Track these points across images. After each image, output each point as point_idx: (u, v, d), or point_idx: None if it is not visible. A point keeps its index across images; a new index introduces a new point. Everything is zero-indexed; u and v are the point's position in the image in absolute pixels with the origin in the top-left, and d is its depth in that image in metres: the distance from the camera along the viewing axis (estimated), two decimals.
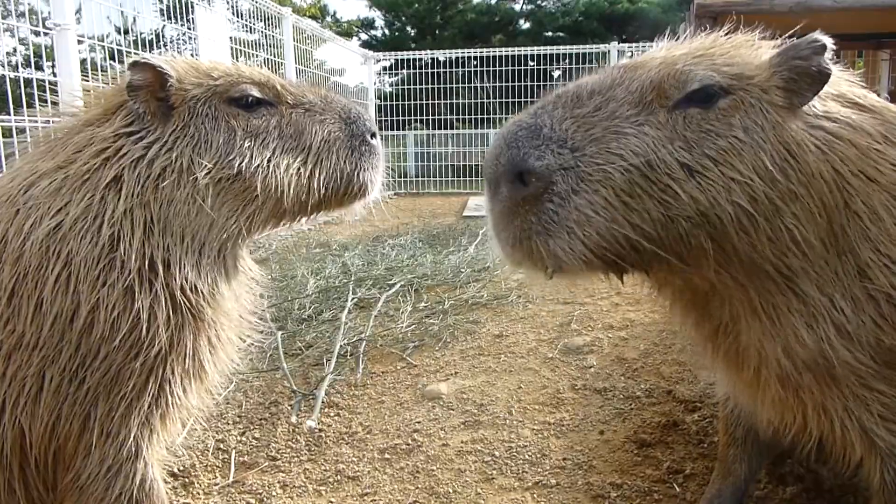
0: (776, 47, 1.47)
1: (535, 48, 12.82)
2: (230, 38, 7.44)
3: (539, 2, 25.38)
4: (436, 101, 13.11)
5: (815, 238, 1.37)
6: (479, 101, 13.00)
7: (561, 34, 23.86)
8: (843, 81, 1.54)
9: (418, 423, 2.80)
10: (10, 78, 4.42)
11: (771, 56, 1.43)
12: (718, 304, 1.52)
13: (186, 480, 2.41)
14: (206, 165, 1.65)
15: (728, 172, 1.32)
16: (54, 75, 4.60)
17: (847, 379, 1.44)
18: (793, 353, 1.43)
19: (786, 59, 1.40)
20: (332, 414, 2.91)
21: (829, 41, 1.38)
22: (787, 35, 1.53)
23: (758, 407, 1.67)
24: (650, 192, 1.30)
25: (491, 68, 12.61)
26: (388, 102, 13.38)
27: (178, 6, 6.31)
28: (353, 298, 4.50)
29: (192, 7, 6.48)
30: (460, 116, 13.93)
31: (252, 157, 1.69)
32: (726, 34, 1.53)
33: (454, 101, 13.28)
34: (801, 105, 1.40)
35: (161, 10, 7.09)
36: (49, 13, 4.41)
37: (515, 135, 1.33)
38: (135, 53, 4.93)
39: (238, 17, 8.00)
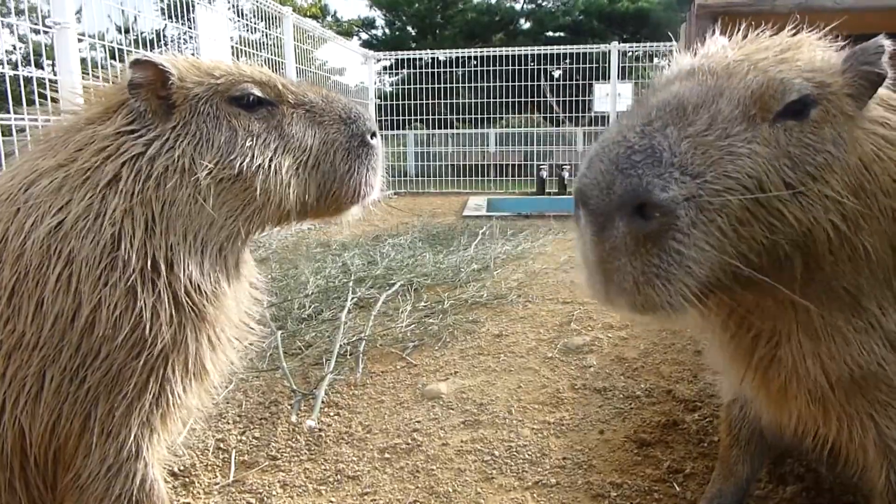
0: (839, 50, 1.41)
1: (535, 48, 12.79)
2: (231, 37, 7.44)
3: (539, 1, 25.39)
4: (436, 101, 13.10)
5: (882, 252, 1.33)
6: (479, 101, 12.99)
7: (561, 33, 23.89)
8: None
9: (418, 422, 2.80)
10: (9, 76, 4.41)
11: (839, 61, 1.36)
12: (766, 320, 1.45)
13: (187, 480, 2.41)
14: (207, 165, 1.64)
15: (823, 189, 1.25)
16: (54, 73, 4.59)
17: (877, 388, 1.43)
18: (832, 369, 1.40)
19: (855, 64, 1.34)
20: (331, 413, 2.91)
21: (888, 43, 1.33)
22: (793, 33, 1.50)
23: (776, 414, 1.65)
24: (759, 216, 1.20)
25: (491, 68, 12.61)
26: (389, 102, 13.37)
27: (178, 5, 6.30)
28: (352, 298, 4.50)
29: (193, 6, 6.47)
30: (460, 116, 13.93)
31: (253, 157, 1.68)
32: (792, 32, 1.45)
33: (454, 100, 13.28)
34: (861, 111, 1.35)
35: (162, 9, 7.08)
36: (49, 11, 4.40)
37: (630, 159, 1.14)
38: (135, 52, 4.92)
39: (239, 16, 8.00)
